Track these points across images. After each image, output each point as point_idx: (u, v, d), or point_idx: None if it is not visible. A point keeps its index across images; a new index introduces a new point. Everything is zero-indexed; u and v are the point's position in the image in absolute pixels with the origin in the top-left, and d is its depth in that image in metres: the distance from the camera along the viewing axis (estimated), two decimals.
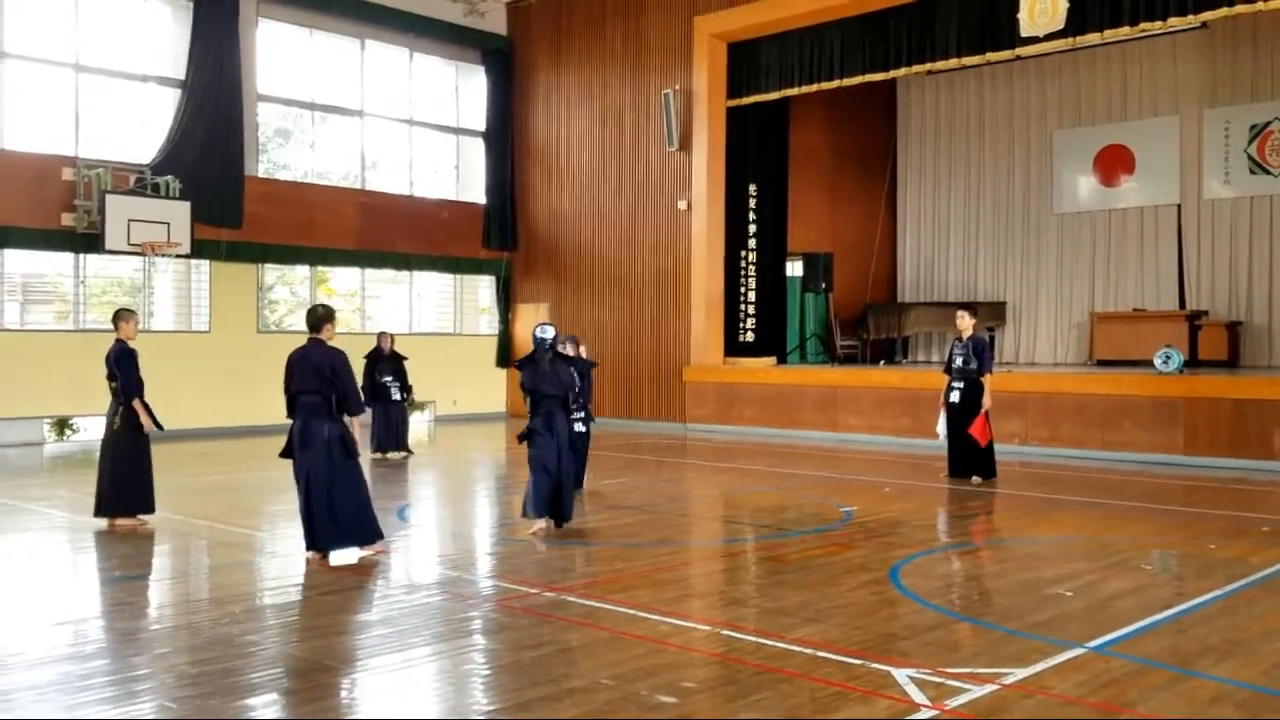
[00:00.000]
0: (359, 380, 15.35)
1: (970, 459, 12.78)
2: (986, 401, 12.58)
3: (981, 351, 12.73)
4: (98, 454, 10.05)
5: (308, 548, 8.27)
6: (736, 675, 5.43)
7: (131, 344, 9.89)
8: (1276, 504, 11.52)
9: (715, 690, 5.23)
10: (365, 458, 15.16)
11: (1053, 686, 5.20)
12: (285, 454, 8.46)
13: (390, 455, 15.49)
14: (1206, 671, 5.50)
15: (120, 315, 10.01)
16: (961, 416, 12.70)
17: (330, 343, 8.36)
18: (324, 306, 8.56)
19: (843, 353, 22.97)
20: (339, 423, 8.23)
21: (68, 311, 18.11)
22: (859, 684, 5.23)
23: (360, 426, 8.39)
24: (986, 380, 12.65)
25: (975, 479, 12.72)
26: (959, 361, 12.83)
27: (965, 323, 13.01)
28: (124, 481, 9.80)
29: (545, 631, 6.23)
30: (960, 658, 5.68)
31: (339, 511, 8.12)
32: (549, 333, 9.80)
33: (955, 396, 12.76)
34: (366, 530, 8.27)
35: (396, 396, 15.71)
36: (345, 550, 8.17)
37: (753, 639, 6.08)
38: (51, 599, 7.30)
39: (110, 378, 9.84)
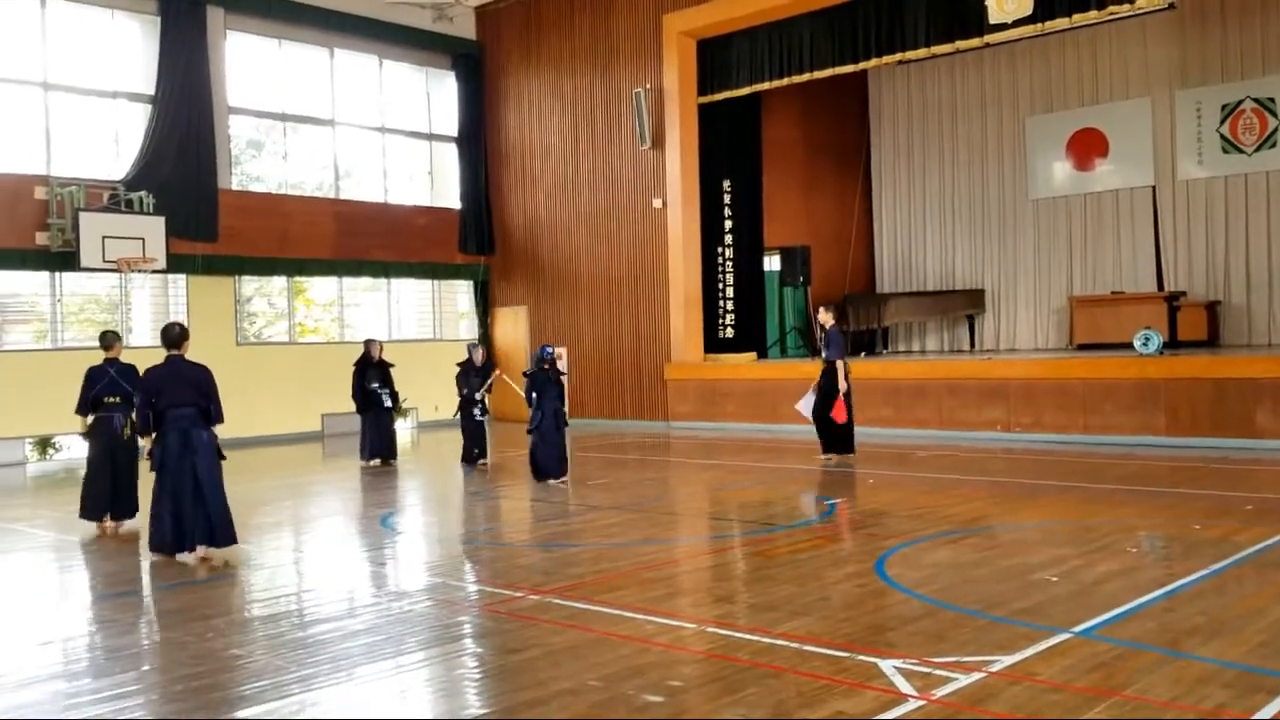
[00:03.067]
0: (349, 388, 15.71)
1: (831, 438, 14.10)
2: (842, 384, 13.82)
3: (830, 342, 14.14)
4: (97, 461, 10.40)
5: (195, 545, 8.69)
6: (723, 672, 5.42)
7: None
8: (1259, 482, 11.58)
9: (702, 688, 5.23)
10: (357, 466, 15.35)
11: (1039, 672, 5.21)
12: (160, 466, 8.79)
13: (386, 462, 15.44)
14: (1193, 652, 5.51)
15: (117, 336, 10.60)
16: (823, 400, 14.06)
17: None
18: (180, 325, 9.14)
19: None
20: (210, 430, 8.91)
21: (45, 331, 18.00)
22: (846, 676, 5.23)
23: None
24: (839, 366, 13.88)
25: (833, 457, 14.06)
26: (823, 353, 14.37)
27: (824, 317, 14.48)
28: (128, 487, 10.40)
29: (531, 635, 6.21)
30: (946, 647, 5.68)
31: (226, 512, 8.85)
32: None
33: (823, 382, 14.14)
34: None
35: (388, 404, 15.67)
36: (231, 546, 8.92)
37: (739, 635, 6.08)
38: (36, 618, 7.25)
39: (117, 391, 10.28)
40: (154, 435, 8.85)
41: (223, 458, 8.98)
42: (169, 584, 8.45)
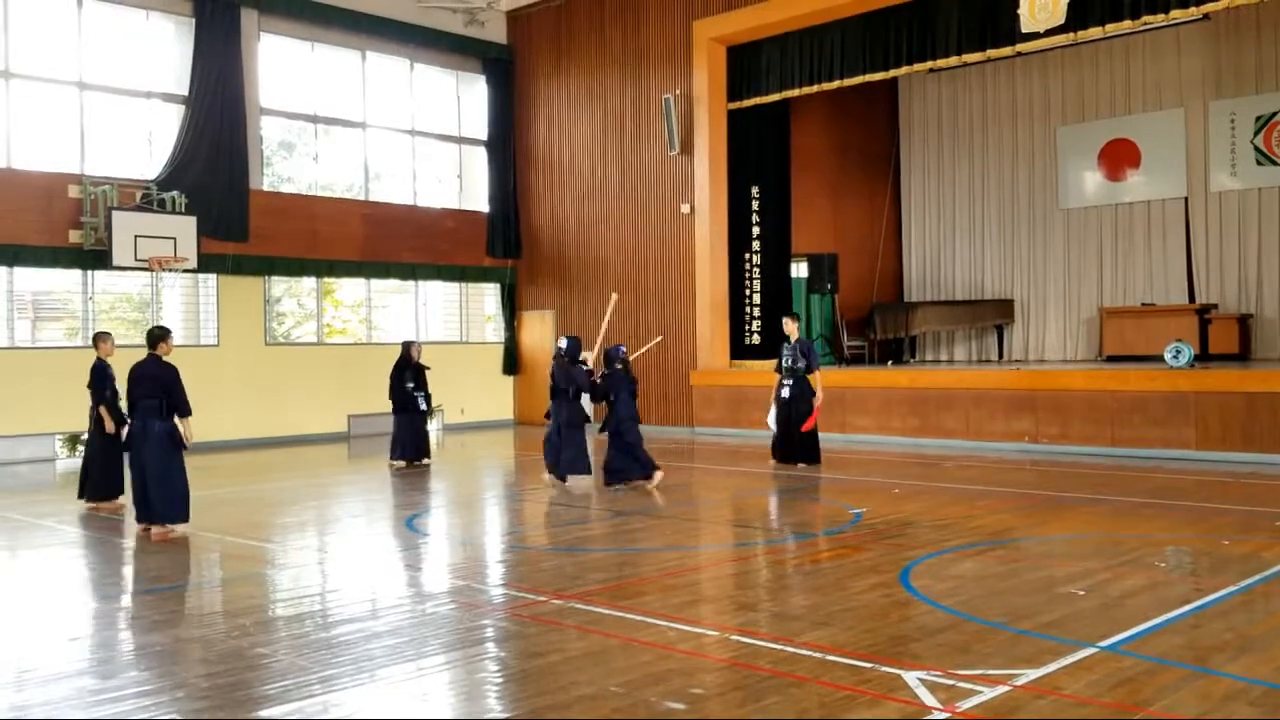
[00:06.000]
0: (376, 389, 15.88)
1: (798, 447, 14.43)
2: (819, 397, 14.38)
3: (808, 352, 14.47)
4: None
5: (138, 520, 10.11)
6: (745, 680, 5.41)
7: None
8: None
9: (724, 695, 5.21)
10: (383, 466, 15.43)
11: (1065, 687, 5.17)
12: (128, 447, 10.24)
13: (416, 464, 15.52)
14: (1220, 669, 5.46)
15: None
16: (791, 410, 14.39)
17: (167, 357, 10.22)
18: (160, 328, 10.44)
19: (850, 353, 22.97)
20: (168, 421, 10.10)
21: (77, 328, 18.15)
22: (869, 687, 5.21)
23: (187, 428, 10.23)
24: (816, 376, 14.44)
25: (801, 465, 14.38)
26: (788, 361, 14.45)
27: (790, 328, 14.69)
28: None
29: (553, 639, 6.21)
30: (971, 659, 5.65)
31: (170, 493, 10.02)
32: (563, 343, 13.26)
33: (786, 393, 14.40)
34: (186, 511, 10.14)
35: (423, 406, 15.77)
36: (177, 525, 10.08)
37: (761, 643, 6.06)
38: (65, 614, 7.31)
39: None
40: (129, 423, 10.24)
41: (183, 446, 10.14)
42: (194, 582, 8.53)
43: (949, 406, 17.01)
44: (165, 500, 10.00)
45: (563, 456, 12.87)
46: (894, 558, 8.39)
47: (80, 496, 11.93)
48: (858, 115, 24.68)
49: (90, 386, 11.75)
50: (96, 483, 11.80)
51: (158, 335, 10.27)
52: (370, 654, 6.05)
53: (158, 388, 10.04)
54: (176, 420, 10.13)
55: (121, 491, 11.61)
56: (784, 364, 14.54)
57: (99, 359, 11.79)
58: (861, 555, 8.54)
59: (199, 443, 17.81)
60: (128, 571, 8.77)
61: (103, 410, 11.65)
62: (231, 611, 7.28)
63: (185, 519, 10.13)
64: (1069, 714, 4.84)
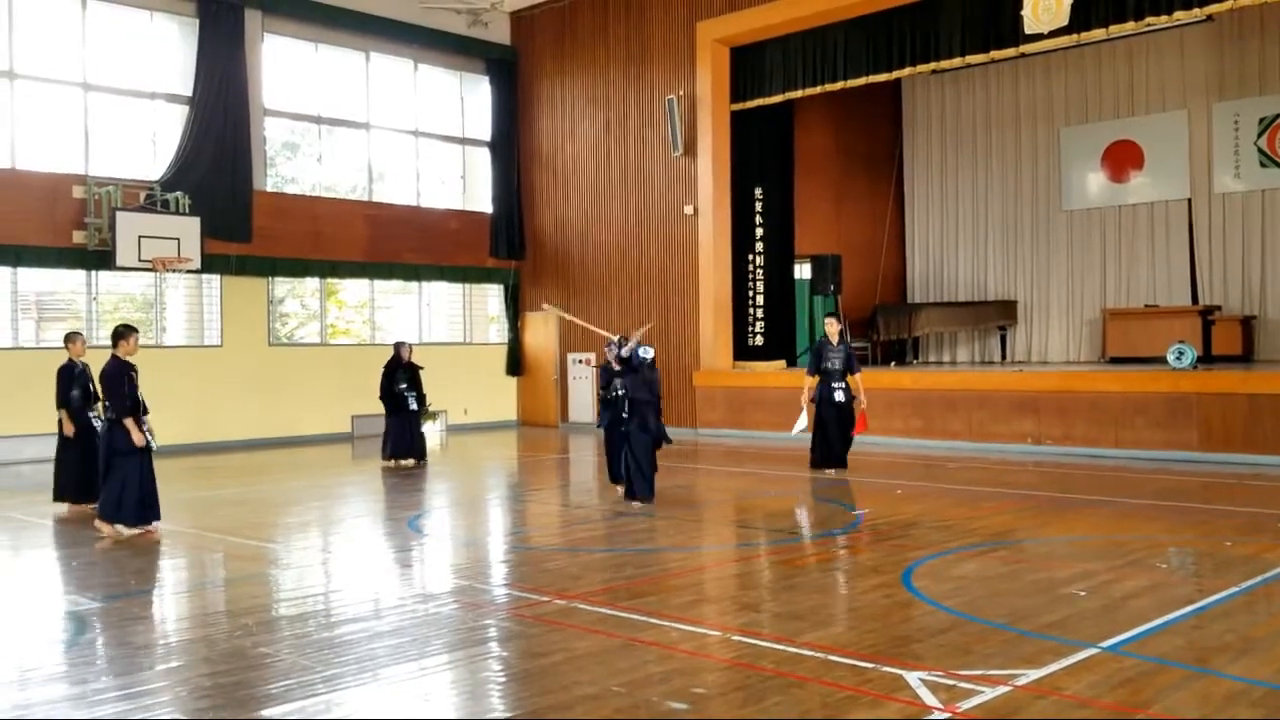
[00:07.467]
0: (378, 390, 15.90)
1: (840, 450, 13.93)
2: (864, 398, 13.95)
3: (851, 356, 14.06)
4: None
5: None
6: (747, 680, 5.42)
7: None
8: None
9: (726, 695, 5.22)
10: (378, 466, 15.43)
11: (1066, 687, 5.18)
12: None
13: (403, 463, 15.57)
14: (1222, 670, 5.47)
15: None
16: (844, 414, 13.88)
17: (129, 357, 10.10)
18: (123, 326, 10.27)
19: None
20: (110, 422, 10.05)
21: (81, 329, 18.14)
22: (871, 687, 5.22)
23: (135, 428, 9.97)
24: (858, 379, 13.92)
25: (832, 471, 13.81)
26: (838, 364, 13.86)
27: (834, 329, 14.15)
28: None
29: (556, 639, 6.22)
30: (972, 659, 5.66)
31: (109, 493, 10.00)
32: (650, 353, 11.73)
33: (840, 396, 13.79)
34: (127, 514, 9.99)
35: (414, 406, 15.81)
36: (107, 524, 10.01)
37: (764, 644, 6.07)
38: (66, 614, 7.32)
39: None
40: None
41: (118, 450, 9.95)
42: (198, 581, 8.55)
43: (952, 408, 17.01)
44: (104, 497, 10.10)
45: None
46: (896, 559, 8.39)
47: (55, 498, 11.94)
48: (861, 116, 24.68)
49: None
50: (64, 485, 11.82)
51: (118, 334, 10.19)
52: (373, 653, 6.06)
53: (103, 387, 10.11)
54: (127, 422, 9.95)
55: (95, 495, 11.04)
56: (826, 366, 13.85)
57: (68, 360, 11.80)
58: (864, 556, 8.55)
59: (201, 443, 18.11)
60: (129, 571, 8.77)
61: (62, 413, 11.68)
62: (235, 611, 7.30)
63: (116, 520, 10.00)
64: (1070, 714, 4.85)
